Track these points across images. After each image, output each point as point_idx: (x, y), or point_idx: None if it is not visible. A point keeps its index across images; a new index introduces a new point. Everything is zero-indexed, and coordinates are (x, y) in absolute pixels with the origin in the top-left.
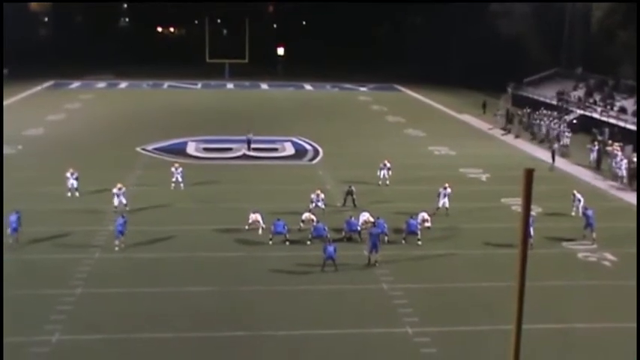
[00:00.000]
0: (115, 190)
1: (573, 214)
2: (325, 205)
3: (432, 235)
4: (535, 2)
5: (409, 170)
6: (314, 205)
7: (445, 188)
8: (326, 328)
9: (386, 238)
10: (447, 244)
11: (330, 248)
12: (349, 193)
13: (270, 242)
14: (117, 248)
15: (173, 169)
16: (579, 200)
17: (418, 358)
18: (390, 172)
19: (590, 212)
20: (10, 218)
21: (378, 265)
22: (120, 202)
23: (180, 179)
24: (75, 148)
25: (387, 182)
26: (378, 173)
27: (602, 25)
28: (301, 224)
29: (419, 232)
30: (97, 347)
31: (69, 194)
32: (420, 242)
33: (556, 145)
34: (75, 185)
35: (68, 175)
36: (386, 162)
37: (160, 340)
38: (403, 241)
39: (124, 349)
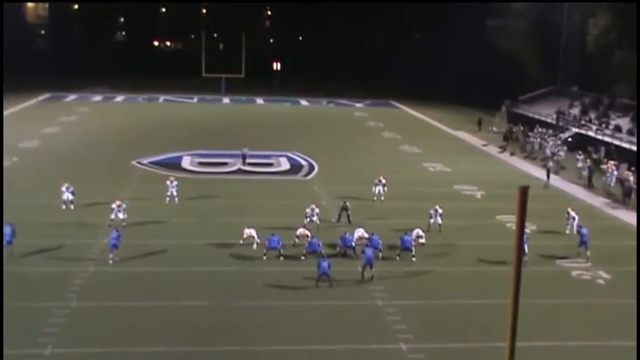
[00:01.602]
0: (113, 206)
1: (568, 232)
2: (320, 220)
3: (426, 251)
4: (532, 15)
5: (404, 186)
6: (308, 219)
7: (436, 210)
8: (320, 344)
9: (380, 254)
10: (442, 260)
11: (325, 264)
12: (344, 208)
13: (265, 257)
14: (111, 262)
15: (168, 183)
16: (574, 218)
17: None
18: (386, 189)
19: (584, 230)
20: (5, 231)
21: (374, 280)
22: (116, 217)
23: (175, 193)
24: (70, 161)
25: (382, 198)
26: (374, 189)
27: (598, 43)
28: (296, 240)
29: (413, 249)
30: None
31: (64, 207)
32: (414, 259)
33: (551, 164)
34: (70, 198)
35: (63, 189)
36: (381, 178)
37: (153, 355)
38: (397, 257)
39: None
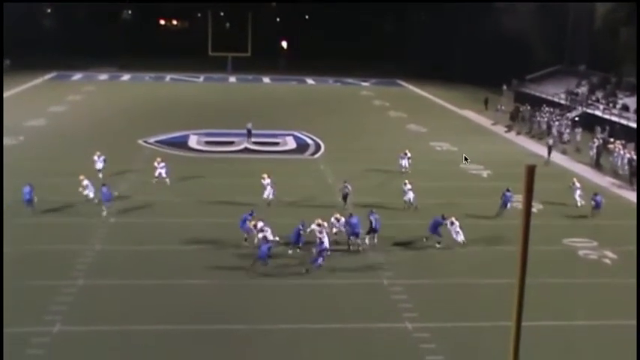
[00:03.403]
0: (95, 157)
1: (579, 204)
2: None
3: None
4: (539, 1)
5: (410, 166)
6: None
7: (405, 184)
8: (325, 323)
9: (357, 239)
10: (447, 240)
11: (264, 248)
12: (346, 196)
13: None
14: (104, 214)
15: (155, 164)
16: (578, 188)
17: (417, 353)
18: (410, 161)
19: (599, 198)
20: (24, 190)
21: (362, 251)
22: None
23: (164, 174)
24: (76, 139)
25: (409, 171)
26: (400, 162)
27: (606, 21)
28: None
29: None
30: (98, 338)
31: (100, 175)
32: (425, 239)
33: (551, 141)
34: (101, 167)
35: (95, 157)
36: (407, 151)
37: (159, 333)
38: (425, 240)
39: (123, 340)
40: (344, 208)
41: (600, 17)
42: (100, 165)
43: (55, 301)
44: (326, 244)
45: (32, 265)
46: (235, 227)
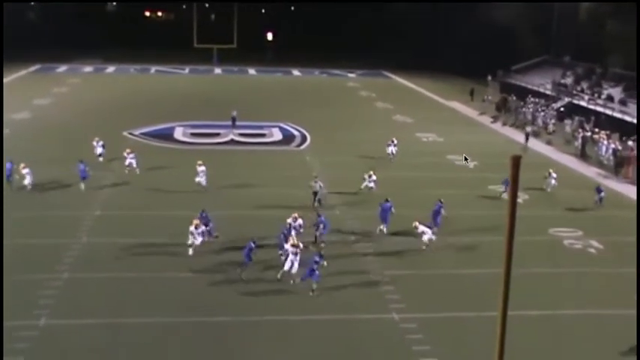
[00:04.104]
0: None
1: (549, 190)
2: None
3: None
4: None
5: (397, 157)
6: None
7: (370, 175)
8: (312, 314)
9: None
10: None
11: (246, 250)
12: (315, 193)
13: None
14: (82, 187)
15: (125, 154)
16: (554, 178)
17: (404, 344)
18: (396, 149)
19: (602, 193)
20: (7, 166)
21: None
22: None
23: (134, 164)
24: (62, 132)
25: (395, 158)
26: (387, 150)
27: (591, 13)
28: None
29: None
30: (85, 331)
31: (100, 159)
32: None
33: (529, 128)
34: (100, 152)
35: (94, 143)
36: (394, 139)
37: (145, 325)
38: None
39: (110, 333)
40: (314, 207)
41: (586, 9)
42: (99, 150)
43: (41, 294)
44: (296, 266)
45: (17, 259)
46: (223, 219)
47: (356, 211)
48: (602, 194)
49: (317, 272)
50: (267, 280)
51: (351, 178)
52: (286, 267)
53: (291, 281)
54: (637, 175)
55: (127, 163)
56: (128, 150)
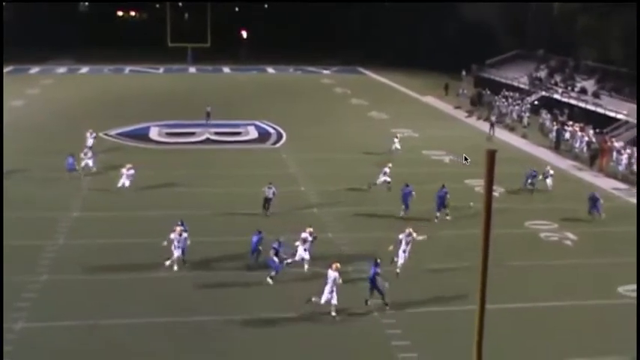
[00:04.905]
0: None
1: (529, 187)
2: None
3: (395, 217)
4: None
5: (373, 153)
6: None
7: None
8: (294, 311)
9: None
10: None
11: (255, 239)
12: (266, 199)
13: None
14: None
15: (82, 155)
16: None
17: (384, 339)
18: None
19: (599, 201)
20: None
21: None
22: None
23: (90, 164)
24: (36, 133)
25: (397, 153)
26: (392, 147)
27: (563, 9)
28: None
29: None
30: (63, 334)
31: (90, 152)
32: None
33: (493, 118)
34: (91, 144)
35: (88, 134)
36: (398, 134)
37: (125, 327)
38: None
39: (90, 334)
40: (265, 214)
41: (558, 6)
42: (90, 142)
43: (19, 297)
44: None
45: None
46: (201, 219)
47: (333, 209)
48: (599, 203)
49: (276, 261)
50: (251, 279)
51: (327, 175)
52: (324, 298)
53: (333, 314)
54: (637, 175)
55: (82, 164)
56: (85, 150)
